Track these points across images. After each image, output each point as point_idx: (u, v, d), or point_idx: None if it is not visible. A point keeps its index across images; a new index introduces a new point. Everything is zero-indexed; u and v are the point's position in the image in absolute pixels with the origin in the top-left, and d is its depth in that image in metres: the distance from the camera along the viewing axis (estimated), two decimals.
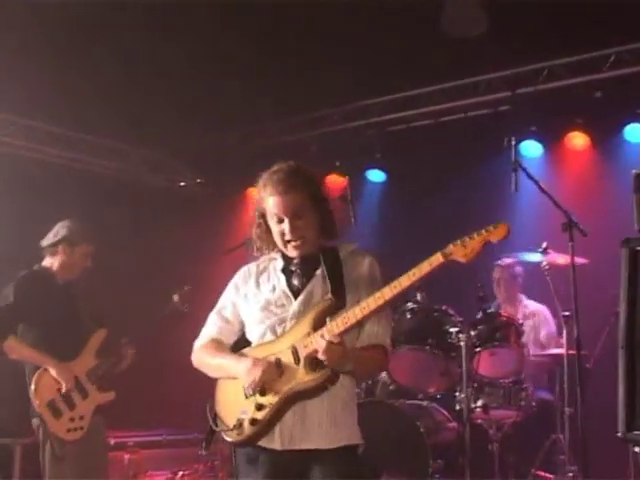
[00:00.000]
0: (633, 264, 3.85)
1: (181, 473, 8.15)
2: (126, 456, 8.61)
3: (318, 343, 3.43)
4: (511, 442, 6.81)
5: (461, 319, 6.71)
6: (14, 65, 7.61)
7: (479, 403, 6.59)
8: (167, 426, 9.10)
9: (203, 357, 3.87)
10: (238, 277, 3.93)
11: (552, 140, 8.71)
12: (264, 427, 3.53)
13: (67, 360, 5.67)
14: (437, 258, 3.41)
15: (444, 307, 6.75)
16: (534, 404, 6.73)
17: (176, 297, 6.23)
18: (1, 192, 8.76)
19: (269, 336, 3.68)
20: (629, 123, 8.21)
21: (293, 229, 3.67)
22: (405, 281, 3.42)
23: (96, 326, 5.90)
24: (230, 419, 3.63)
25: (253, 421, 3.53)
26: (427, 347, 6.59)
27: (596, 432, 5.57)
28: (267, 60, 7.89)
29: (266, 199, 3.73)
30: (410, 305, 6.77)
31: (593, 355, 6.84)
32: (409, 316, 6.72)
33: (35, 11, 6.89)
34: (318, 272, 3.72)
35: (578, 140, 8.59)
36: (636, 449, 3.78)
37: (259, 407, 3.54)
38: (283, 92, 8.49)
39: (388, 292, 3.44)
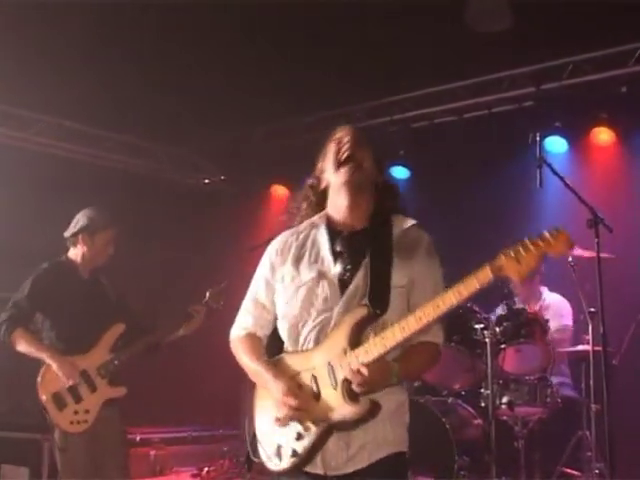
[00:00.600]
0: None
1: (206, 469, 8.20)
2: (152, 452, 8.68)
3: (351, 374, 3.10)
4: (537, 439, 6.79)
5: (486, 315, 6.70)
6: (42, 65, 7.66)
7: (504, 400, 6.56)
8: (193, 423, 9.16)
9: (240, 355, 3.52)
10: (273, 250, 3.54)
11: (577, 136, 8.67)
12: (304, 459, 3.25)
13: (79, 353, 5.63)
14: (486, 274, 3.00)
15: (469, 304, 6.73)
16: (559, 401, 6.71)
17: (208, 294, 6.16)
18: (29, 190, 8.82)
19: (308, 341, 3.32)
20: None
21: (354, 148, 3.36)
22: (449, 301, 3.04)
23: (116, 320, 5.81)
24: (269, 445, 3.34)
25: (293, 452, 3.25)
26: (452, 344, 6.57)
27: (622, 429, 5.56)
28: (291, 57, 7.89)
29: (329, 149, 3.45)
30: None
31: (619, 352, 6.80)
32: None
33: (56, 11, 6.93)
34: (366, 260, 3.32)
35: (603, 136, 8.55)
36: None
37: (298, 436, 3.24)
38: (307, 89, 8.49)
39: (430, 312, 3.06)
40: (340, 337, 3.19)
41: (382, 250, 3.33)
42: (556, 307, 7.65)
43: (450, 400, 6.71)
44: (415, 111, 9.35)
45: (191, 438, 9.12)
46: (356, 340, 3.16)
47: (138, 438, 8.75)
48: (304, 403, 3.21)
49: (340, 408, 3.16)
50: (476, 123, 9.06)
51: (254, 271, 3.63)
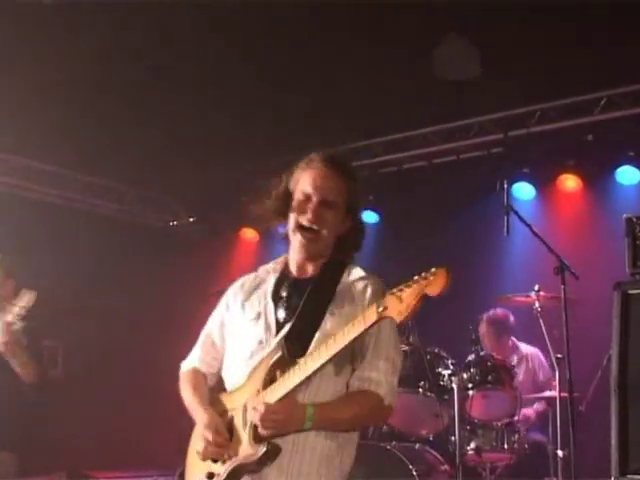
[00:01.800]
0: (625, 307, 3.87)
1: None
2: None
3: (254, 415, 3.07)
4: None
5: (454, 361, 6.70)
6: (8, 103, 7.64)
7: (472, 445, 6.56)
8: (158, 467, 9.03)
9: (182, 389, 3.56)
10: (231, 291, 3.57)
11: (544, 182, 8.74)
12: None
13: None
14: (371, 315, 2.95)
15: (436, 349, 6.73)
16: (527, 446, 6.71)
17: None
18: None
19: (239, 380, 3.31)
20: (621, 165, 8.25)
21: (316, 213, 3.30)
22: (340, 339, 3.01)
23: None
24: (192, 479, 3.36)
25: None
26: (420, 390, 6.56)
27: (589, 475, 5.54)
28: (260, 100, 7.92)
29: (304, 172, 3.40)
30: (402, 347, 6.75)
31: (586, 398, 6.82)
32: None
33: (22, 50, 6.94)
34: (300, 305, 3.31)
35: (570, 182, 8.62)
36: None
37: (210, 476, 3.23)
38: (277, 132, 8.52)
39: (323, 351, 3.04)
40: (257, 378, 3.18)
41: (319, 297, 3.28)
42: (537, 358, 7.71)
43: (417, 446, 6.67)
44: (384, 156, 9.40)
45: None
46: (270, 382, 3.13)
47: None
48: (221, 440, 3.19)
49: (244, 449, 3.13)
50: (445, 169, 9.12)
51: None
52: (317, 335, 3.18)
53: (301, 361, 3.08)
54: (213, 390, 3.51)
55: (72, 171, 9.83)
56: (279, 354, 3.14)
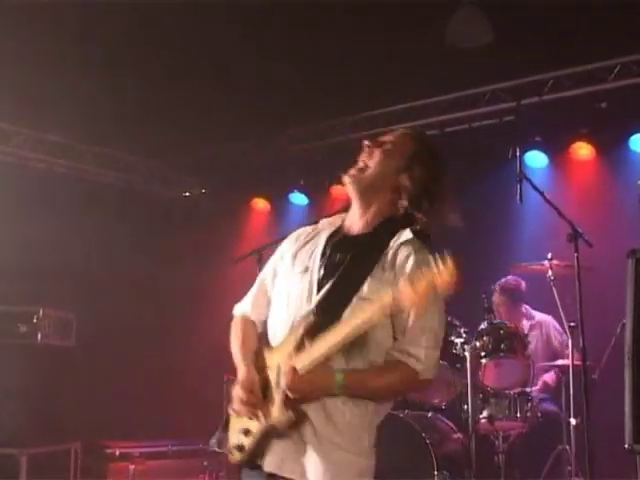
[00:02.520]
0: (639, 275, 3.85)
1: None
2: (131, 467, 8.61)
3: (284, 380, 3.06)
4: (517, 453, 6.79)
5: (466, 330, 6.69)
6: (21, 76, 7.64)
7: (484, 414, 6.57)
8: (173, 437, 9.10)
9: (232, 335, 3.48)
10: (287, 241, 3.53)
11: (557, 150, 8.69)
12: (249, 456, 3.22)
13: None
14: (388, 301, 2.91)
15: (449, 318, 6.72)
16: (540, 415, 6.72)
17: None
18: (7, 201, 8.79)
19: (278, 337, 3.27)
20: (634, 133, 8.19)
21: (365, 152, 3.38)
22: (362, 317, 2.96)
23: None
24: (232, 434, 3.32)
25: (240, 447, 3.24)
26: None
27: (603, 443, 5.56)
28: (272, 71, 7.89)
29: None
30: None
31: (599, 366, 6.82)
32: None
33: (44, 23, 6.92)
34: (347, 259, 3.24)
35: (583, 150, 8.57)
36: None
37: (246, 432, 3.22)
38: (289, 103, 8.49)
39: (348, 325, 3.00)
40: (291, 340, 3.13)
41: (364, 258, 3.20)
42: (550, 324, 7.73)
43: (430, 414, 6.69)
44: (396, 125, 9.34)
45: (171, 452, 9.05)
46: (301, 345, 3.09)
47: (117, 452, 8.68)
48: (253, 401, 3.17)
49: (275, 412, 3.11)
50: (456, 137, 9.07)
51: (237, 285, 3.65)
52: (354, 300, 3.10)
53: (333, 327, 3.03)
54: (261, 338, 3.43)
55: (82, 142, 9.83)
56: (311, 319, 3.10)
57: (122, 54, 7.59)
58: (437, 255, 2.83)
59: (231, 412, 3.34)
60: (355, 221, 3.35)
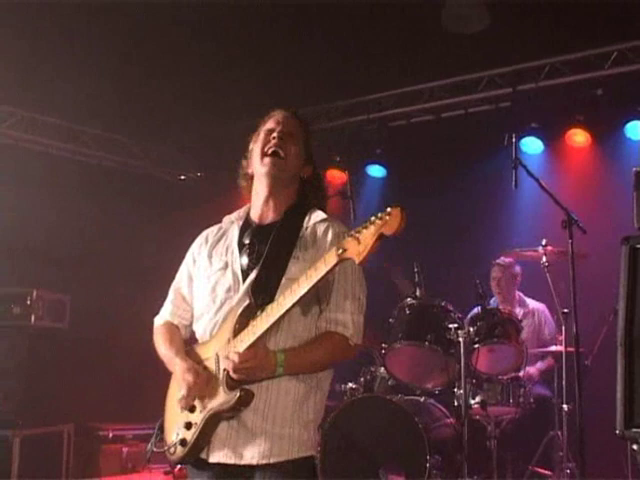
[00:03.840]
0: (633, 262, 3.85)
1: (179, 467, 8.14)
2: (124, 449, 8.65)
3: (227, 363, 3.13)
4: (509, 438, 6.82)
5: (460, 315, 6.71)
6: (17, 56, 7.61)
7: (477, 399, 6.59)
8: None
9: (157, 344, 3.61)
10: (195, 245, 3.67)
11: (553, 137, 8.70)
12: (193, 449, 3.27)
13: None
14: (332, 257, 2.99)
15: (443, 303, 6.73)
16: (532, 400, 6.74)
17: None
18: (2, 183, 8.77)
19: (212, 332, 3.37)
20: (630, 120, 8.20)
21: (281, 140, 3.45)
22: (304, 283, 3.06)
23: None
24: (170, 433, 3.39)
25: (182, 442, 3.29)
26: (426, 343, 6.56)
27: (594, 429, 5.58)
28: (270, 54, 7.88)
29: (266, 122, 3.59)
30: (409, 301, 6.76)
31: (592, 352, 6.85)
32: (408, 312, 6.71)
33: (44, 4, 6.88)
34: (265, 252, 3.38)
35: (579, 137, 8.58)
36: (634, 446, 3.76)
37: (188, 426, 3.28)
38: (284, 86, 8.48)
39: (288, 296, 3.09)
40: (227, 328, 3.23)
41: (283, 242, 3.35)
42: (542, 313, 7.78)
43: (423, 399, 6.71)
44: (392, 110, 9.35)
45: None
46: (240, 330, 3.18)
47: (110, 435, 8.71)
48: (202, 381, 3.25)
49: (219, 396, 3.19)
50: (453, 123, 9.08)
51: None
52: (283, 281, 3.24)
53: (268, 307, 3.14)
54: (187, 342, 3.56)
55: (78, 124, 9.81)
56: (246, 302, 3.20)
57: (121, 36, 7.56)
58: (380, 213, 2.89)
59: (168, 412, 3.45)
60: (263, 212, 3.51)
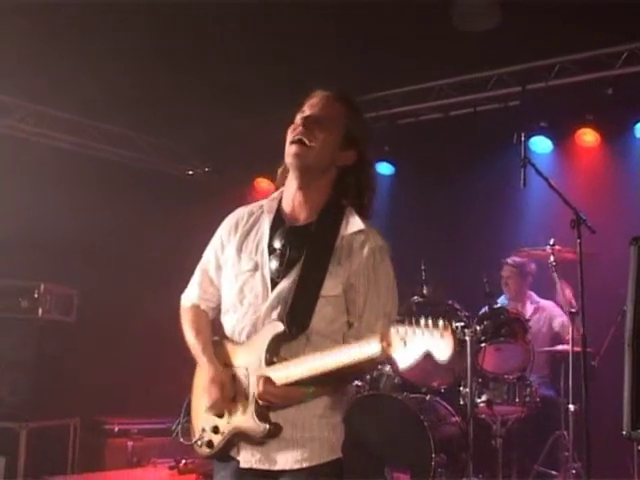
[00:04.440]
0: None
1: (184, 461, 8.16)
2: (130, 443, 8.66)
3: (257, 391, 3.04)
4: (515, 438, 6.82)
5: (467, 314, 6.71)
6: (24, 50, 7.61)
7: (483, 398, 6.59)
8: (172, 414, 9.12)
9: (184, 325, 3.51)
10: (224, 228, 3.48)
11: (562, 136, 8.68)
12: (218, 452, 3.25)
13: None
14: (374, 347, 2.82)
15: (450, 301, 6.74)
16: (538, 400, 6.73)
17: None
18: (10, 176, 8.78)
19: (239, 334, 3.26)
20: None
21: (305, 127, 3.22)
22: (337, 359, 2.91)
23: None
24: (196, 424, 3.37)
25: (209, 443, 3.25)
26: None
27: (600, 430, 5.57)
28: (278, 50, 7.87)
29: (304, 105, 3.36)
30: (416, 299, 6.76)
31: (599, 353, 6.83)
32: (415, 310, 6.71)
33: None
34: (300, 263, 3.18)
35: (588, 137, 8.56)
36: None
37: (215, 429, 3.23)
38: (293, 82, 8.45)
39: (329, 362, 2.92)
40: (260, 345, 3.12)
41: (320, 253, 3.17)
42: (552, 308, 7.79)
43: (428, 397, 6.71)
44: (401, 107, 9.34)
45: (169, 430, 9.07)
46: (272, 353, 3.09)
47: (116, 429, 8.73)
48: (227, 396, 3.18)
49: (247, 420, 3.12)
50: (461, 121, 9.06)
51: None
52: (319, 302, 3.12)
53: (302, 339, 3.09)
54: (215, 330, 3.45)
55: (87, 118, 9.82)
56: (280, 329, 3.08)
57: (132, 32, 7.55)
58: (430, 323, 2.72)
59: (193, 398, 3.41)
60: (295, 207, 3.30)
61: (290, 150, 3.22)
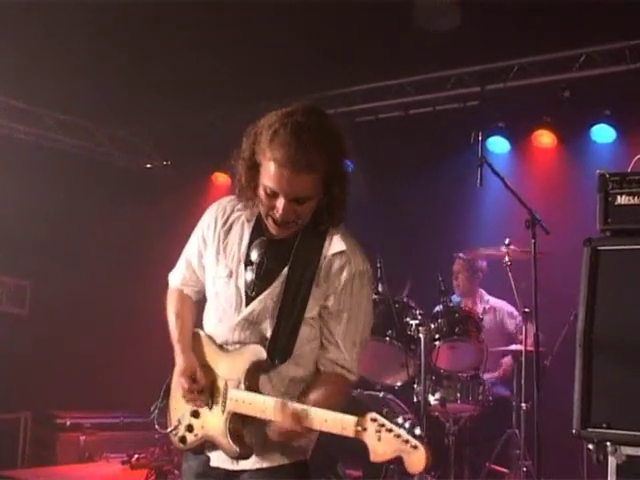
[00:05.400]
0: (594, 263, 3.89)
1: (137, 456, 8.12)
2: (82, 437, 8.61)
3: (285, 424, 2.94)
4: (467, 436, 6.86)
5: (421, 312, 6.72)
6: None
7: (437, 396, 6.62)
8: (124, 408, 9.08)
9: (168, 306, 3.44)
10: (205, 221, 3.35)
11: (519, 137, 8.75)
12: (192, 450, 3.25)
13: None
14: (350, 428, 2.83)
15: (405, 299, 6.75)
16: (491, 399, 6.77)
17: None
18: None
19: (217, 335, 3.23)
20: (596, 124, 8.25)
21: (286, 213, 2.98)
22: (314, 421, 2.89)
23: None
24: (173, 413, 3.32)
25: (182, 439, 3.24)
26: (387, 338, 6.57)
27: (551, 428, 5.61)
28: (240, 45, 7.84)
29: (267, 156, 2.96)
30: (371, 296, 6.76)
31: (551, 352, 6.89)
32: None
33: None
34: (284, 273, 3.11)
35: (545, 138, 8.63)
36: (590, 446, 3.81)
37: (189, 428, 3.22)
38: (253, 77, 8.44)
39: (298, 416, 2.90)
40: (238, 365, 3.10)
41: (303, 273, 3.10)
42: (504, 309, 7.83)
43: (382, 394, 6.72)
44: (360, 105, 9.35)
45: (122, 424, 9.04)
46: (251, 380, 3.07)
47: (68, 423, 8.67)
48: (196, 388, 3.16)
49: (221, 436, 3.11)
50: (420, 120, 9.09)
51: None
52: (302, 328, 3.10)
53: (283, 364, 3.09)
54: (199, 304, 3.43)
55: (43, 108, 9.72)
56: (262, 357, 3.05)
57: (89, 22, 7.48)
58: (407, 428, 2.73)
59: (173, 387, 3.35)
60: None
61: (276, 229, 3.09)
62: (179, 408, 3.29)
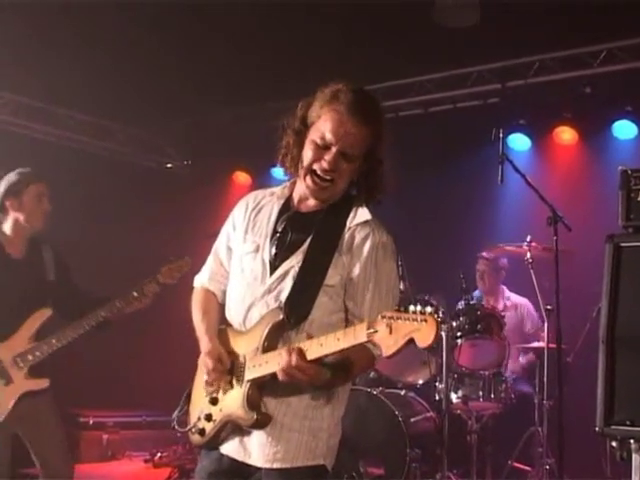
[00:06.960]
0: (616, 260, 3.87)
1: (159, 454, 8.16)
2: (105, 436, 8.63)
3: (287, 362, 2.92)
4: (489, 433, 6.84)
5: (443, 309, 6.71)
6: (2, 39, 7.55)
7: (459, 394, 6.61)
8: (147, 407, 9.10)
9: (193, 307, 3.46)
10: (237, 211, 3.42)
11: (540, 134, 8.72)
12: (209, 440, 3.25)
13: None
14: (361, 333, 2.80)
15: (426, 297, 6.73)
16: (513, 396, 6.76)
17: (162, 270, 5.83)
18: None
19: (235, 317, 3.27)
20: (618, 120, 8.21)
21: (334, 162, 3.08)
22: (331, 345, 2.88)
23: (44, 304, 5.29)
24: (194, 411, 3.34)
25: (202, 431, 3.25)
26: None
27: (574, 426, 5.60)
28: (260, 43, 7.84)
29: (327, 110, 3.17)
30: None
31: (574, 349, 6.87)
32: None
33: None
34: (307, 242, 3.15)
35: (566, 135, 8.60)
36: (613, 443, 3.79)
37: (208, 417, 3.24)
38: (276, 76, 8.45)
39: (315, 348, 2.91)
40: (257, 335, 3.11)
41: (325, 241, 3.14)
42: (525, 307, 7.80)
43: (404, 393, 6.72)
44: (381, 103, 9.32)
45: (145, 423, 9.06)
46: (270, 341, 3.07)
47: (91, 421, 8.69)
48: (222, 367, 3.18)
49: (238, 408, 3.11)
50: (441, 117, 9.07)
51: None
52: (320, 292, 3.09)
53: (301, 326, 3.07)
54: (222, 308, 3.43)
55: (64, 108, 9.75)
56: (279, 317, 3.06)
57: (106, 21, 7.51)
58: (418, 310, 2.71)
59: (193, 389, 3.38)
60: (305, 198, 3.26)
61: (314, 185, 3.14)
62: (199, 408, 3.30)
